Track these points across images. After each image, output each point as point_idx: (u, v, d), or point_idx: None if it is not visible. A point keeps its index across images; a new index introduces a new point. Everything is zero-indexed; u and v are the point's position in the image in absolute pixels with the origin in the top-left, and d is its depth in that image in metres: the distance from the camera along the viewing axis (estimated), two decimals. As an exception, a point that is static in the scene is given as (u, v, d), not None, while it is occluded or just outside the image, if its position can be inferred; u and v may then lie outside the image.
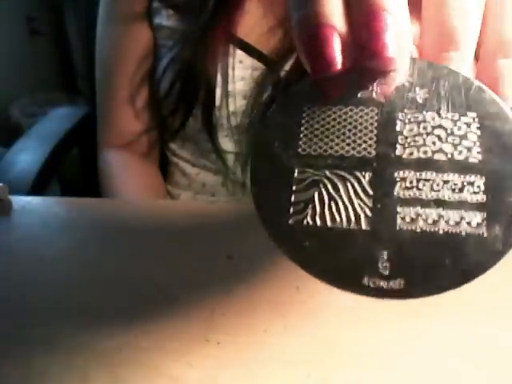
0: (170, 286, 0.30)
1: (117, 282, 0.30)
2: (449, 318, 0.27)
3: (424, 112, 0.16)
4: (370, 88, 0.17)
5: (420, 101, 0.17)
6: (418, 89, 0.17)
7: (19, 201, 0.38)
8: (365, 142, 0.16)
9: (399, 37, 0.16)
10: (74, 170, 0.79)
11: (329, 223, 0.15)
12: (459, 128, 0.16)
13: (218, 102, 0.53)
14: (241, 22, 0.52)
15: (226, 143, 0.55)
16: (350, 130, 0.16)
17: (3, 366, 0.25)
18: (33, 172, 0.59)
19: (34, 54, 1.61)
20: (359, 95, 0.17)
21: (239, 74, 0.53)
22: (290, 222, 0.15)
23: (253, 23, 0.53)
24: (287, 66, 0.50)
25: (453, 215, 0.15)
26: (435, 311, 0.28)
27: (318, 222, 0.15)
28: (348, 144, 0.16)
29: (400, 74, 0.17)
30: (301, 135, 0.17)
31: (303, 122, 0.17)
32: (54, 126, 0.73)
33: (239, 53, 0.53)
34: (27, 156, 0.62)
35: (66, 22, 1.38)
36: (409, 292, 0.14)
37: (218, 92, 0.53)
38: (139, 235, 0.35)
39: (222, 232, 0.35)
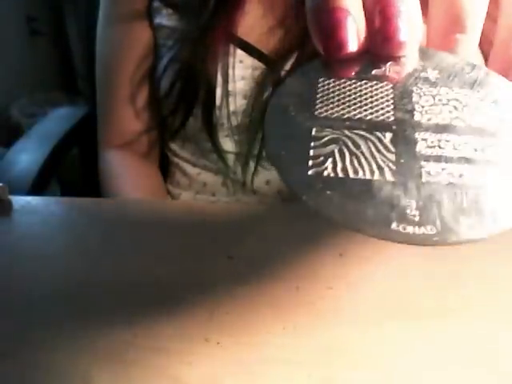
0: (170, 285, 0.30)
1: (117, 281, 0.30)
2: (449, 318, 0.27)
3: (438, 87, 0.17)
4: (383, 68, 0.17)
5: (433, 79, 0.17)
6: (430, 70, 0.17)
7: (19, 201, 0.38)
8: (382, 108, 0.16)
9: (411, 23, 0.16)
10: (73, 170, 0.79)
11: (351, 175, 0.15)
12: (473, 101, 0.16)
13: (218, 102, 0.53)
14: (241, 22, 0.52)
15: (227, 143, 0.55)
16: (366, 99, 0.17)
17: (3, 366, 0.25)
18: (33, 172, 0.59)
19: (34, 54, 1.61)
20: (373, 72, 0.17)
21: (239, 74, 0.53)
22: (310, 172, 0.15)
23: (253, 23, 0.53)
24: (287, 66, 0.51)
25: (477, 170, 0.15)
26: (435, 311, 0.28)
27: (340, 174, 0.15)
28: (365, 110, 0.16)
29: (411, 59, 0.17)
30: (317, 101, 0.16)
31: (319, 90, 0.17)
32: (53, 126, 0.73)
33: (239, 52, 0.53)
34: (27, 156, 0.62)
35: (66, 22, 1.38)
36: (441, 238, 0.13)
37: (219, 92, 0.53)
38: (139, 235, 0.35)
39: (222, 232, 0.35)
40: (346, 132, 0.16)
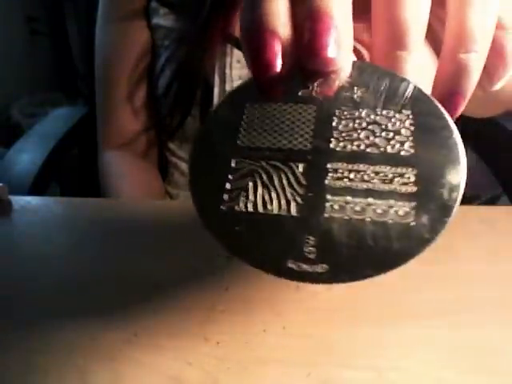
0: (169, 285, 0.30)
1: (116, 281, 0.30)
2: (449, 318, 0.27)
3: (360, 109, 0.17)
4: (310, 87, 0.17)
5: (357, 99, 0.17)
6: (356, 88, 0.17)
7: (19, 201, 0.38)
8: (301, 136, 0.17)
9: (340, 39, 0.16)
10: (73, 170, 0.79)
11: (260, 209, 0.15)
12: (393, 124, 0.16)
13: (215, 102, 0.53)
14: (237, 21, 0.53)
15: None
16: (288, 125, 0.17)
17: (3, 366, 0.25)
18: (33, 172, 0.59)
19: (34, 54, 1.61)
20: (299, 93, 0.17)
21: (237, 74, 0.53)
22: (223, 208, 0.15)
23: None
24: None
25: (381, 204, 0.15)
26: (435, 311, 0.28)
27: (250, 209, 0.15)
28: (285, 138, 0.17)
29: (340, 75, 0.18)
30: (241, 129, 0.17)
31: (244, 117, 0.17)
32: (53, 126, 0.73)
33: (237, 52, 0.53)
34: (27, 156, 0.62)
35: (66, 22, 1.38)
36: (333, 277, 0.14)
37: (216, 91, 0.53)
38: (138, 235, 0.35)
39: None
40: (263, 163, 0.16)
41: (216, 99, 0.53)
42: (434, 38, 0.20)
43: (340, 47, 0.17)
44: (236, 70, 0.53)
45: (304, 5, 0.17)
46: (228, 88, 0.53)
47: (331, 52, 0.16)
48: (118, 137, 0.61)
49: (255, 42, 0.17)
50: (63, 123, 0.72)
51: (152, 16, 0.56)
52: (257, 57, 0.17)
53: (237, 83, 0.52)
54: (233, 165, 0.16)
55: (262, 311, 0.28)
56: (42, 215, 0.37)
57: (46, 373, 0.24)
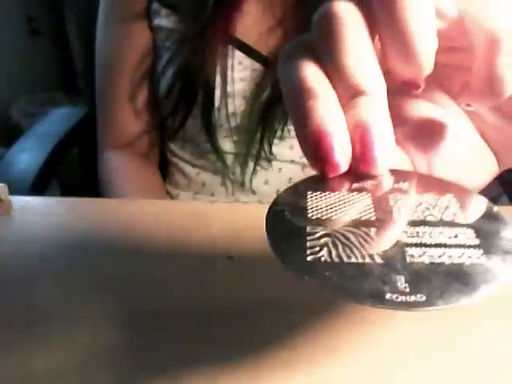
0: (169, 285, 0.30)
1: (116, 281, 0.30)
2: (449, 319, 0.27)
3: (410, 194, 0.20)
4: (362, 183, 0.20)
5: (405, 189, 0.20)
6: (401, 182, 0.20)
7: (19, 201, 0.38)
8: (364, 211, 0.19)
9: (385, 146, 0.18)
10: (73, 170, 0.80)
11: (345, 259, 0.17)
12: (441, 202, 0.19)
13: (217, 103, 0.53)
14: (239, 23, 0.53)
15: (226, 143, 0.55)
16: (350, 205, 0.19)
17: (3, 367, 0.25)
18: (33, 172, 0.59)
19: (34, 54, 1.61)
20: (353, 186, 0.20)
21: (238, 75, 0.53)
22: (309, 259, 0.17)
23: (251, 23, 0.53)
24: None
25: (454, 252, 0.17)
26: (435, 312, 0.28)
27: (335, 259, 0.17)
28: (350, 213, 0.19)
29: (386, 175, 0.20)
30: (308, 207, 0.19)
31: (308, 200, 0.19)
32: (53, 126, 0.73)
33: (238, 54, 0.53)
34: (27, 156, 0.62)
35: (66, 21, 1.38)
36: (432, 303, 0.15)
37: (217, 93, 0.53)
38: (139, 235, 0.35)
39: (222, 232, 0.35)
40: (336, 228, 0.18)
41: (217, 100, 0.53)
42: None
43: (385, 154, 0.18)
44: (238, 71, 0.53)
45: (351, 110, 0.18)
46: (230, 89, 0.53)
47: (379, 162, 0.18)
48: (118, 138, 0.61)
49: (318, 150, 0.18)
50: (63, 123, 0.73)
51: (154, 17, 0.56)
52: (324, 161, 0.18)
53: (238, 84, 0.52)
54: (308, 230, 0.18)
55: (262, 311, 0.28)
56: (42, 215, 0.37)
57: (45, 373, 0.24)
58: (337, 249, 0.17)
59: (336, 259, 0.17)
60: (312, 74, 0.19)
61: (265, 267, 0.31)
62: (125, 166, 0.61)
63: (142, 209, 0.39)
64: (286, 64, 0.20)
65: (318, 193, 0.20)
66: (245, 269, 0.31)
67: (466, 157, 0.24)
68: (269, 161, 0.55)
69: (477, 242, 0.17)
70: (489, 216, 0.19)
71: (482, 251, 0.17)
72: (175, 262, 0.32)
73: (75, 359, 0.25)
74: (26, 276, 0.31)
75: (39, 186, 0.59)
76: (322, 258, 0.17)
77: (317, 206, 0.19)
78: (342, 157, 0.18)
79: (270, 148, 0.54)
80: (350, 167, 0.19)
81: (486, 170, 0.25)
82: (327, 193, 0.20)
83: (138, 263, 0.32)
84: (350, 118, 0.18)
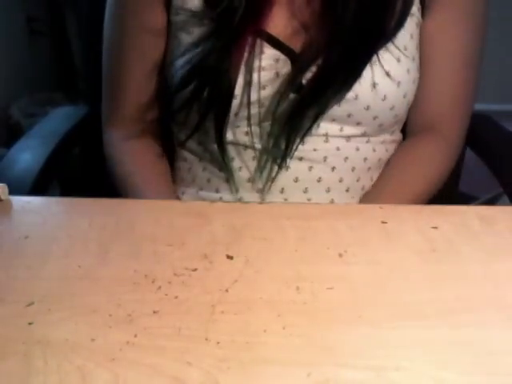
0: (169, 285, 0.30)
1: (117, 281, 0.30)
2: (449, 318, 0.27)
3: None
4: None
5: None
6: None
7: (19, 201, 0.38)
8: None
9: None
10: (74, 169, 0.80)
11: None
12: None
13: (237, 92, 0.52)
14: (269, 16, 0.52)
15: (242, 135, 0.55)
16: None
17: (3, 367, 0.25)
18: (33, 172, 0.59)
19: (34, 54, 1.61)
20: None
21: (265, 79, 0.52)
22: None
23: (278, 23, 0.53)
24: (313, 63, 0.50)
25: None
26: (435, 312, 0.28)
27: None
28: None
29: None
30: None
31: None
32: (54, 125, 0.73)
33: (269, 53, 0.52)
34: (28, 156, 0.62)
35: (66, 21, 1.38)
36: None
37: (238, 92, 0.52)
38: (139, 235, 0.35)
39: (222, 232, 0.35)
40: None
41: (239, 89, 0.51)
42: None
43: None
44: (266, 71, 0.51)
45: None
46: (253, 94, 0.52)
47: None
48: (125, 112, 0.60)
49: None
50: (64, 123, 0.73)
51: None
52: None
53: (259, 74, 0.51)
54: None
55: (262, 311, 0.28)
56: (42, 215, 0.37)
57: (46, 373, 0.24)
58: None
59: None
60: None
61: (265, 267, 0.31)
62: (130, 151, 0.60)
63: (142, 209, 0.39)
64: None
65: None
66: (245, 269, 0.31)
67: None
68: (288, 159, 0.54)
69: None
70: None
71: None
72: (175, 262, 0.32)
73: (75, 358, 0.25)
74: (25, 276, 0.31)
75: (39, 185, 0.59)
76: None
77: None
78: None
79: (294, 147, 0.53)
80: None
81: None
82: None
83: (137, 262, 0.32)
84: None
